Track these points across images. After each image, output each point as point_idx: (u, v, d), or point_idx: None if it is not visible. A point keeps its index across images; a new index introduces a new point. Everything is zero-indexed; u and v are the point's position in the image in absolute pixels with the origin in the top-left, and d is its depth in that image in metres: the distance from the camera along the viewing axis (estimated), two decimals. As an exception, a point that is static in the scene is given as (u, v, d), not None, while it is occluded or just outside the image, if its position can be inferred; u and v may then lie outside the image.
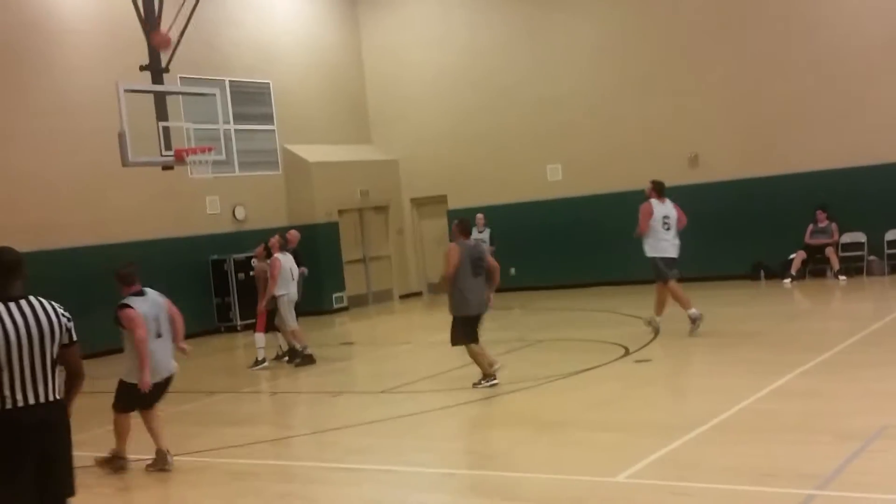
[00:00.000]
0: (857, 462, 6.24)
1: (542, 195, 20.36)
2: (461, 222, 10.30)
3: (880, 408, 7.65)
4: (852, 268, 16.98)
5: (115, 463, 8.02)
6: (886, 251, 16.96)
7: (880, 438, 6.71)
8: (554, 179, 20.31)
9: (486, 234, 17.59)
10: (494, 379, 10.04)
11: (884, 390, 8.27)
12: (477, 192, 21.02)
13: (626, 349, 11.53)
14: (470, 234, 10.43)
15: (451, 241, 10.46)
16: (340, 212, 20.94)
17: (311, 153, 20.65)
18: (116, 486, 7.69)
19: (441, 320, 18.26)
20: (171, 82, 15.19)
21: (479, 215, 17.99)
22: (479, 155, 20.99)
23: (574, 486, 6.36)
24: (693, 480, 6.19)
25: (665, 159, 18.88)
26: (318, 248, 20.18)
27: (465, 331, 10.09)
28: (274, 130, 20.39)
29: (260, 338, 13.17)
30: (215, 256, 18.67)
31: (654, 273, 12.59)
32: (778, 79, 17.85)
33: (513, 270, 20.56)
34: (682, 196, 18.72)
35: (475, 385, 10.07)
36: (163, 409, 10.84)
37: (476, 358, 10.14)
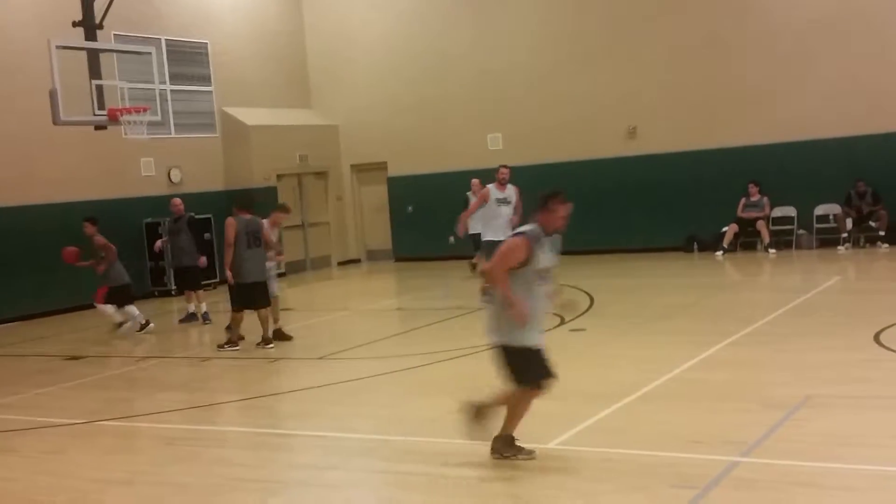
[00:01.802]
0: (781, 430, 6.44)
1: (482, 163, 20.35)
2: (240, 197, 11.93)
3: (805, 378, 7.89)
4: (782, 241, 17.41)
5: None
6: (815, 225, 17.42)
7: (804, 408, 6.92)
8: (494, 148, 20.34)
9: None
10: (237, 347, 11.37)
11: (809, 361, 8.53)
12: (417, 159, 20.98)
13: (562, 318, 11.66)
14: (250, 209, 11.57)
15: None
16: (279, 176, 20.72)
17: (250, 116, 20.34)
18: (46, 449, 7.57)
19: (379, 287, 18.35)
20: (104, 40, 14.82)
21: (475, 180, 17.23)
22: (420, 123, 20.91)
23: (507, 453, 6.43)
24: (622, 447, 6.33)
25: (603, 131, 19.09)
26: (256, 213, 19.91)
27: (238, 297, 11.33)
28: (211, 92, 20.02)
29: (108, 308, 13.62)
30: (149, 219, 18.33)
31: None
32: (715, 55, 18.10)
33: (451, 239, 20.63)
34: (619, 168, 19.10)
35: (219, 347, 11.46)
36: (93, 373, 10.74)
37: (232, 323, 11.52)
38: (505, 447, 6.18)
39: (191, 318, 14.17)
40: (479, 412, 6.33)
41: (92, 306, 14.03)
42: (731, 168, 17.86)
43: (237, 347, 11.39)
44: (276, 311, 11.91)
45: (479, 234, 15.25)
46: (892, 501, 5.09)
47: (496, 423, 6.30)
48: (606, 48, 19.07)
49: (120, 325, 13.58)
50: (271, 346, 11.33)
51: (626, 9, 18.92)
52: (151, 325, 13.52)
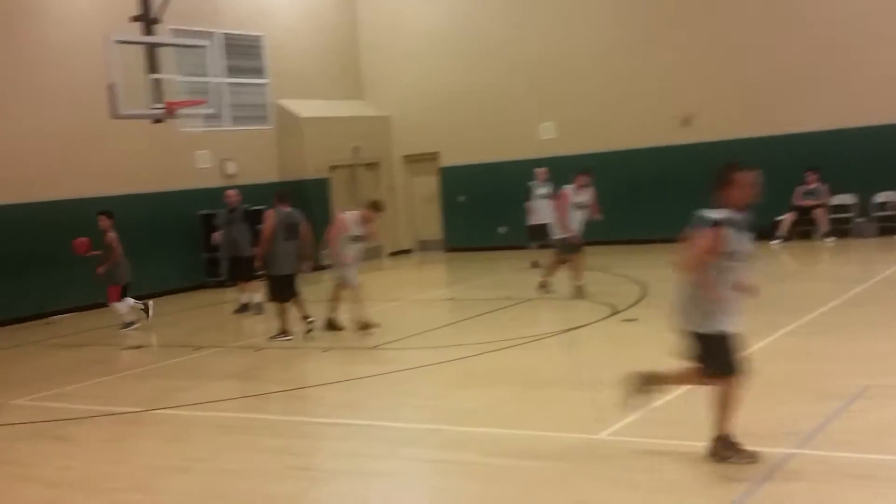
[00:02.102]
0: (838, 421, 6.32)
1: (534, 153, 20.29)
2: (280, 190, 11.97)
3: (862, 368, 7.73)
4: (840, 230, 17.04)
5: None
6: (875, 213, 17.01)
7: (861, 398, 6.79)
8: (546, 137, 20.24)
9: (547, 189, 16.14)
10: (290, 336, 11.43)
11: (866, 351, 8.35)
12: (469, 149, 20.96)
13: (614, 308, 11.59)
14: (290, 201, 11.70)
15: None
16: (332, 168, 20.86)
17: (303, 108, 20.51)
18: (104, 437, 7.75)
19: (430, 277, 18.37)
20: (162, 34, 15.03)
21: (540, 169, 16.73)
22: (471, 112, 20.88)
23: (556, 443, 6.42)
24: (675, 438, 6.27)
25: (658, 119, 18.85)
26: (310, 205, 20.09)
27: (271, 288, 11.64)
28: (266, 84, 20.23)
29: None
30: (204, 211, 18.60)
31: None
32: (773, 40, 17.76)
33: (502, 229, 20.59)
34: (673, 155, 18.83)
35: (271, 338, 11.50)
36: (150, 363, 10.95)
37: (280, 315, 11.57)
38: (724, 449, 5.71)
39: (244, 308, 14.34)
40: (646, 380, 6.15)
41: (146, 296, 14.27)
42: (788, 155, 17.51)
43: (289, 338, 11.51)
44: (357, 300, 11.68)
45: (542, 226, 15.40)
46: (953, 495, 4.98)
47: (655, 397, 6.22)
48: (661, 33, 18.82)
49: (130, 324, 13.70)
50: (311, 319, 11.60)
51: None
52: (137, 324, 13.61)
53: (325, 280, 13.87)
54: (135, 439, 7.61)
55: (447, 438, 6.90)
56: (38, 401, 9.34)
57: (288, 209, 11.69)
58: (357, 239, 11.64)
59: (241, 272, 14.49)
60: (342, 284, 11.70)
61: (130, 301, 13.74)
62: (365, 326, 11.43)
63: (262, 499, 5.85)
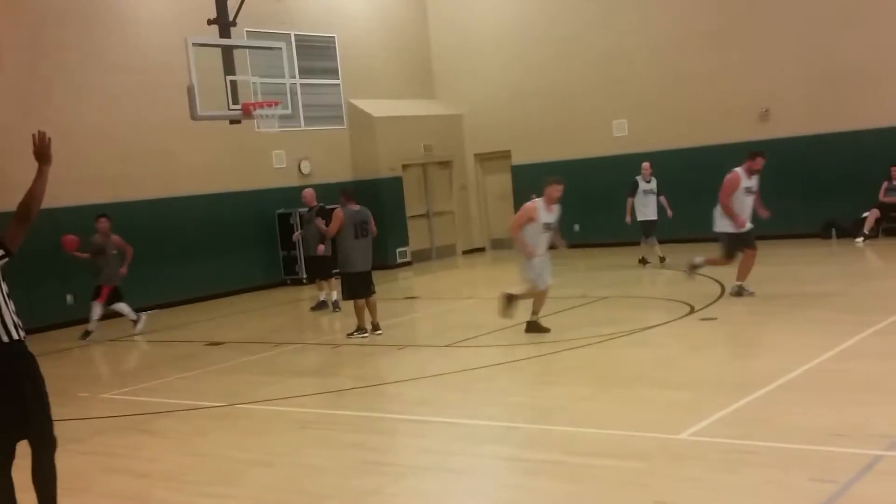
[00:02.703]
0: (930, 424, 6.13)
1: (607, 151, 20.12)
2: (347, 188, 12.07)
3: (955, 369, 7.48)
4: (928, 227, 16.50)
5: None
6: (965, 210, 16.44)
7: (955, 400, 6.56)
8: (619, 135, 20.04)
9: (653, 184, 16.11)
10: (366, 333, 11.55)
11: (959, 352, 8.07)
12: (541, 147, 20.88)
13: (692, 307, 11.41)
14: (354, 199, 11.78)
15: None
16: (404, 167, 20.99)
17: (376, 108, 20.68)
18: (188, 430, 7.93)
19: (504, 275, 18.34)
20: (237, 36, 15.32)
21: (646, 164, 16.33)
22: (543, 110, 20.79)
23: (637, 442, 6.36)
24: (759, 439, 6.14)
25: (734, 114, 18.51)
26: (382, 203, 20.29)
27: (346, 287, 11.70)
28: (339, 85, 20.46)
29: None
30: (281, 210, 18.90)
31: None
32: (852, 30, 17.28)
33: (577, 227, 20.45)
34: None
35: (349, 335, 11.61)
36: (232, 359, 11.16)
37: (357, 312, 11.63)
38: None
39: (321, 305, 14.52)
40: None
41: (227, 294, 14.56)
42: (872, 150, 17.02)
43: (365, 335, 11.62)
44: (540, 301, 10.77)
45: (652, 222, 15.72)
46: None
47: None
48: (735, 26, 18.47)
49: (134, 322, 13.90)
50: (378, 332, 11.65)
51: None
52: (93, 333, 13.66)
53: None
54: (219, 433, 7.77)
55: (525, 436, 6.89)
56: (124, 395, 9.62)
57: (356, 207, 11.80)
58: (547, 227, 10.58)
59: (318, 270, 14.69)
60: (532, 285, 10.65)
61: (99, 311, 13.67)
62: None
63: (343, 493, 5.91)
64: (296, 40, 19.33)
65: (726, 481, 5.46)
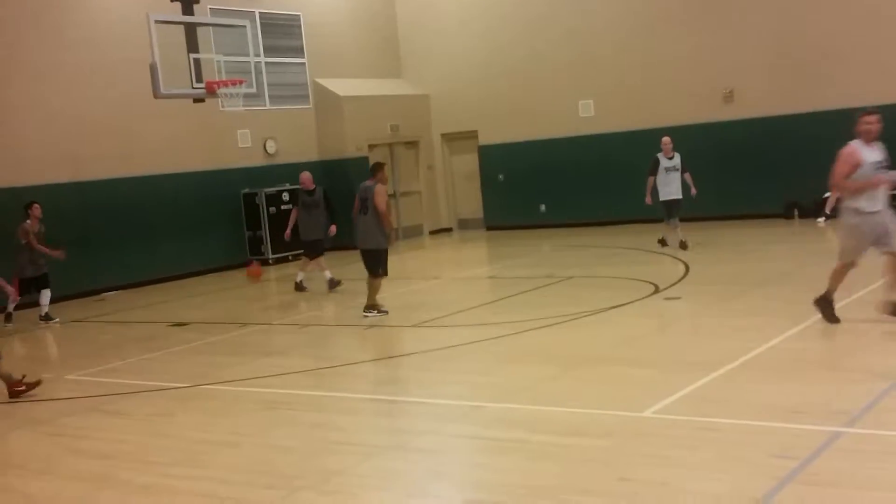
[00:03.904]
0: (887, 400, 6.24)
1: (573, 131, 20.19)
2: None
3: (912, 347, 7.63)
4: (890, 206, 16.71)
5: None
6: (924, 191, 16.68)
7: (912, 377, 6.70)
8: (586, 115, 20.11)
9: (676, 161, 15.03)
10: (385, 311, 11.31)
11: (917, 330, 8.22)
12: (508, 127, 20.90)
13: (656, 287, 11.52)
14: (370, 175, 11.43)
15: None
16: (371, 146, 20.91)
17: (342, 87, 20.55)
18: (154, 411, 7.88)
19: (471, 255, 18.33)
20: (201, 13, 15.13)
21: (666, 138, 15.30)
22: (510, 90, 20.79)
23: (601, 420, 6.42)
24: (721, 416, 6.23)
25: (699, 95, 18.64)
26: (349, 183, 20.20)
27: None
28: (304, 64, 20.30)
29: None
30: (247, 190, 18.77)
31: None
32: (815, 12, 17.44)
33: (543, 207, 20.56)
34: (716, 133, 18.60)
35: (364, 314, 11.29)
36: (195, 339, 11.09)
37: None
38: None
39: (334, 284, 13.92)
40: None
41: (191, 274, 14.41)
42: (833, 132, 17.10)
43: (378, 313, 11.37)
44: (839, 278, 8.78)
45: (676, 201, 14.72)
46: None
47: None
48: (700, 9, 18.57)
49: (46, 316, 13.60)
50: (365, 315, 11.43)
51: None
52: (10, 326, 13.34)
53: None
54: (184, 414, 7.73)
55: (490, 415, 6.93)
56: (89, 376, 9.53)
57: (366, 183, 11.44)
58: (879, 166, 8.54)
59: (317, 249, 14.21)
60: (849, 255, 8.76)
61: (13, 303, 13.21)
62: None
63: (310, 473, 5.92)
64: (260, 18, 19.13)
65: (689, 458, 5.54)
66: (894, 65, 16.71)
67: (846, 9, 17.16)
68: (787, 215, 17.74)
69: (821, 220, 16.79)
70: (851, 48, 17.12)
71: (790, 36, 17.71)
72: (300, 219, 14.16)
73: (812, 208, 17.34)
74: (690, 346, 8.63)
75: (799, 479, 5.04)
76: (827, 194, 16.99)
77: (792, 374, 7.20)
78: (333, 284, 13.89)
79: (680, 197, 14.82)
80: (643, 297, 10.99)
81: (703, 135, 18.56)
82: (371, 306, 11.37)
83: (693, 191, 14.98)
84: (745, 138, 18.06)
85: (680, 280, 11.94)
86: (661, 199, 14.87)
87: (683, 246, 14.62)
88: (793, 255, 13.73)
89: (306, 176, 14.36)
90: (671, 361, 7.95)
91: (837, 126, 17.10)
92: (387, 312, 11.34)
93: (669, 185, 14.83)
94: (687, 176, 14.94)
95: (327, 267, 14.16)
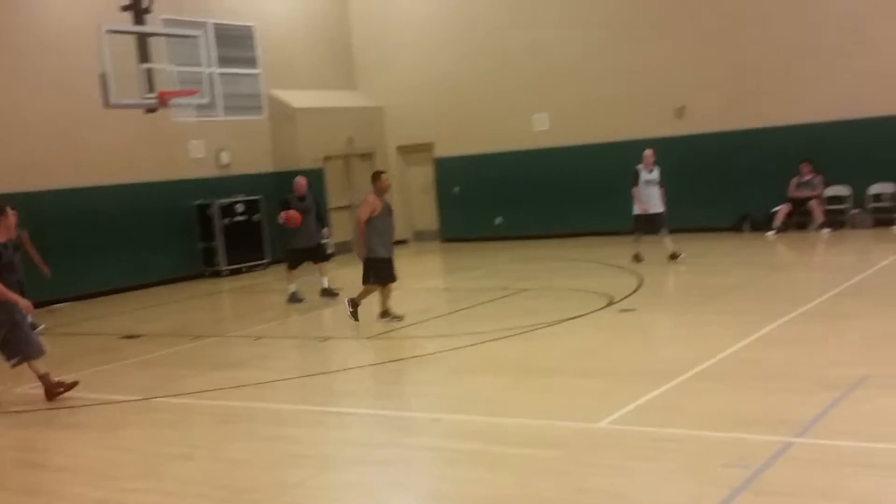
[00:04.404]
0: (837, 410, 6.37)
1: (529, 144, 20.33)
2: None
3: (861, 358, 7.79)
4: (836, 221, 17.12)
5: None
6: (870, 204, 17.10)
7: (861, 388, 6.84)
8: (540, 129, 20.27)
9: (656, 174, 14.85)
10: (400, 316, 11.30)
11: (865, 341, 8.41)
12: (463, 140, 20.98)
13: (611, 298, 11.63)
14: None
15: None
16: (326, 158, 20.84)
17: (297, 98, 20.48)
18: (106, 425, 7.76)
19: (427, 267, 18.38)
20: (153, 23, 15.00)
21: (648, 151, 15.05)
22: (465, 103, 20.88)
23: (558, 431, 6.47)
24: (675, 426, 6.31)
25: (652, 110, 18.89)
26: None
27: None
28: (258, 74, 20.18)
29: None
30: (200, 201, 18.59)
31: None
32: (765, 31, 17.80)
33: (498, 220, 20.65)
34: (668, 147, 18.86)
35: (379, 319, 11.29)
36: (149, 352, 10.94)
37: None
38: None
39: (329, 294, 13.71)
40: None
41: (143, 286, 14.18)
42: (783, 147, 17.58)
43: (398, 317, 11.31)
44: None
45: (655, 215, 14.56)
46: (953, 482, 5.03)
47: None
48: (655, 23, 18.84)
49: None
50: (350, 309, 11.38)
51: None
52: None
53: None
54: (137, 427, 7.62)
55: (449, 427, 6.94)
56: (41, 389, 9.30)
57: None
58: None
59: (318, 256, 13.90)
60: None
61: None
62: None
63: (266, 486, 5.87)
64: (214, 29, 18.99)
65: (643, 468, 5.60)
66: (841, 82, 17.10)
67: (795, 27, 17.54)
68: (737, 228, 18.03)
69: (770, 233, 17.09)
70: (799, 66, 17.50)
71: (740, 53, 18.03)
72: (298, 227, 13.63)
73: (762, 222, 17.65)
74: (644, 357, 8.72)
75: (751, 488, 5.12)
76: (776, 208, 17.35)
77: (744, 385, 7.31)
78: (330, 294, 13.67)
79: (660, 210, 14.64)
80: (597, 309, 11.08)
81: (656, 149, 18.78)
82: (353, 302, 11.41)
83: (662, 208, 14.80)
84: (697, 153, 18.34)
85: (634, 292, 12.07)
86: (636, 213, 14.71)
87: (674, 257, 14.41)
88: (744, 267, 13.95)
89: (302, 181, 13.97)
90: (625, 372, 8.03)
91: (786, 142, 17.58)
92: (356, 319, 11.32)
93: (649, 200, 14.65)
94: (662, 191, 14.80)
95: (327, 273, 13.91)
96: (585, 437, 6.28)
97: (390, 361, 9.25)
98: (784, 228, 17.29)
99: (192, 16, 18.12)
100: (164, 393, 8.65)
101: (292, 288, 13.74)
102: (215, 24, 19.06)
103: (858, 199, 17.21)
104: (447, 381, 8.47)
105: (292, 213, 13.29)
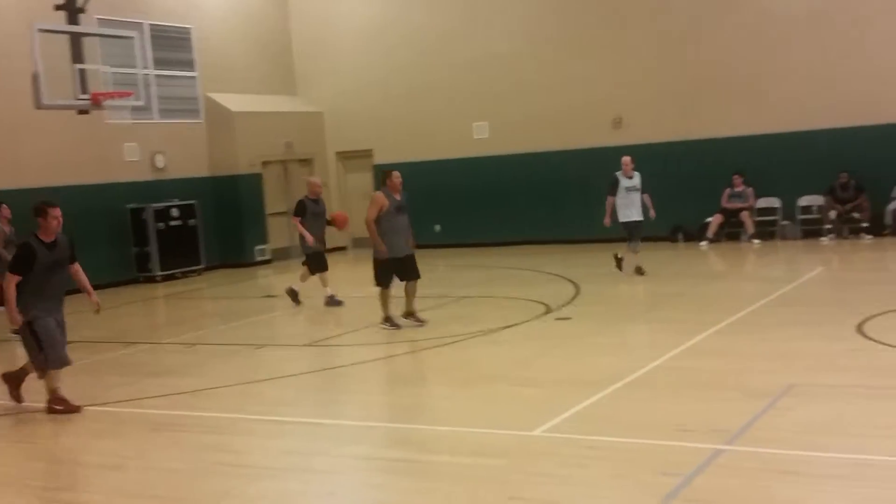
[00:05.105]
0: (765, 418, 6.51)
1: (468, 152, 20.41)
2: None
3: (788, 367, 7.98)
4: (766, 232, 17.54)
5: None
6: (799, 216, 17.55)
7: (787, 396, 7.01)
8: (480, 137, 20.37)
9: (636, 181, 14.22)
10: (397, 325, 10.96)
11: (792, 350, 8.62)
12: (403, 147, 20.96)
13: (548, 307, 11.73)
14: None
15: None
16: (264, 163, 20.67)
17: (235, 102, 20.27)
18: (35, 434, 7.57)
19: (365, 275, 18.28)
20: (88, 23, 14.73)
21: (626, 158, 14.44)
22: (406, 110, 20.89)
23: (493, 440, 6.50)
24: (609, 434, 6.39)
25: (589, 121, 19.13)
26: (241, 200, 19.97)
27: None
28: (195, 77, 19.92)
29: None
30: (134, 205, 18.27)
31: None
32: (701, 45, 18.17)
33: (437, 227, 20.69)
34: (605, 158, 19.10)
35: (381, 325, 10.99)
36: (79, 359, 10.70)
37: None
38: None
39: (334, 301, 13.39)
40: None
41: (74, 291, 13.78)
42: (716, 158, 17.95)
43: (389, 326, 10.98)
44: None
45: (637, 223, 13.99)
46: (873, 489, 5.17)
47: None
48: (593, 37, 19.10)
49: None
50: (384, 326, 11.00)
51: (612, -3, 18.99)
52: None
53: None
54: (66, 436, 7.45)
55: (384, 435, 6.93)
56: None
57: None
58: None
59: (322, 263, 13.62)
60: None
61: None
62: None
63: (197, 496, 5.79)
64: (150, 30, 18.68)
65: (578, 476, 5.66)
66: (772, 97, 17.54)
67: (729, 42, 17.93)
68: (671, 238, 18.34)
69: (703, 243, 17.42)
70: (732, 80, 17.89)
71: (676, 68, 18.38)
72: (311, 230, 13.29)
73: (695, 232, 17.98)
74: (580, 365, 8.82)
75: (682, 495, 5.21)
76: (709, 219, 17.69)
77: (676, 393, 7.44)
78: (334, 302, 13.33)
79: (641, 219, 14.04)
80: (534, 318, 11.17)
81: (593, 159, 19.06)
82: (385, 318, 11.00)
83: (651, 213, 14.15)
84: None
85: (571, 301, 12.19)
86: (622, 220, 14.04)
87: (640, 272, 13.92)
88: (678, 276, 14.19)
89: (317, 183, 13.69)
90: (561, 380, 8.10)
91: (719, 154, 17.95)
92: (398, 327, 10.90)
93: (630, 207, 13.99)
94: (646, 197, 14.13)
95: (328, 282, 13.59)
96: (521, 446, 6.32)
97: (327, 369, 9.20)
98: (716, 239, 17.65)
99: (127, 16, 17.80)
100: (95, 401, 8.46)
101: (329, 291, 13.38)
102: (151, 25, 18.76)
103: (788, 210, 17.66)
104: (384, 389, 8.45)
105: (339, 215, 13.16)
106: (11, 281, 7.84)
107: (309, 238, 13.16)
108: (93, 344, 11.78)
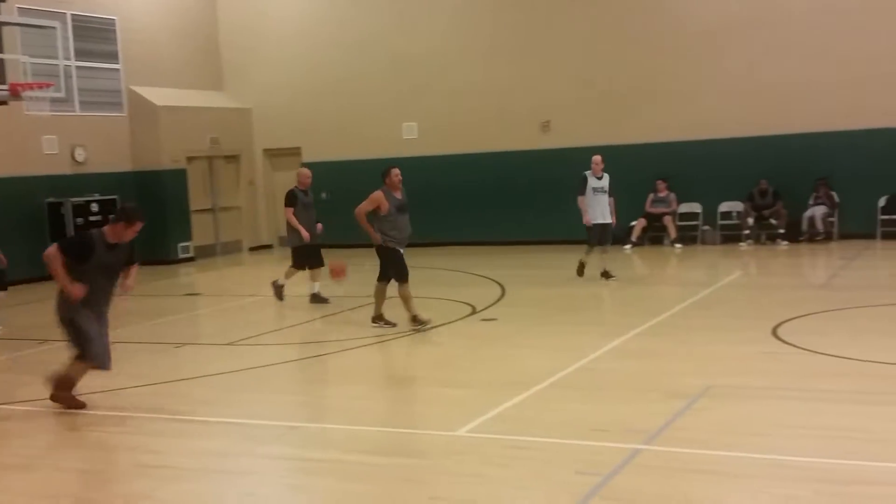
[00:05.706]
0: (682, 419, 6.63)
1: (397, 152, 20.33)
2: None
3: (706, 369, 8.14)
4: (688, 236, 17.90)
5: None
6: (719, 221, 17.95)
7: (704, 397, 7.14)
8: (409, 137, 20.34)
9: (605, 182, 13.70)
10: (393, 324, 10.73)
11: (710, 352, 8.80)
12: (332, 145, 20.83)
13: (473, 308, 11.77)
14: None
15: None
16: (189, 159, 20.31)
17: (159, 96, 19.87)
18: (-63, 436, 7.29)
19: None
20: (7, 12, 14.30)
21: (596, 157, 13.96)
22: (335, 108, 20.75)
23: (416, 440, 6.49)
24: (530, 434, 6.42)
25: (518, 124, 19.28)
26: (165, 196, 19.58)
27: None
28: (119, 70, 19.48)
29: None
30: (51, 199, 17.77)
31: None
32: (627, 53, 18.46)
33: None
34: (533, 161, 19.30)
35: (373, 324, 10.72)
36: (-10, 357, 10.35)
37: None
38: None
39: (317, 299, 12.97)
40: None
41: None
42: (641, 164, 18.24)
43: (392, 325, 10.72)
44: None
45: (605, 225, 13.45)
46: (786, 488, 5.29)
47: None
48: (522, 41, 19.24)
49: None
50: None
51: (542, 1, 19.12)
52: None
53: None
54: (-28, 438, 7.19)
55: (305, 436, 6.85)
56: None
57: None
58: None
59: (315, 259, 13.21)
60: None
61: None
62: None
63: (111, 497, 5.64)
64: (72, 20, 18.22)
65: (499, 475, 5.67)
66: (696, 104, 17.90)
67: (652, 50, 18.25)
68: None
69: (627, 247, 17.69)
70: (656, 86, 18.21)
71: (603, 72, 18.62)
72: (301, 222, 12.97)
73: (619, 236, 18.21)
74: (503, 366, 8.85)
75: (601, 494, 5.27)
76: (633, 223, 17.98)
77: (597, 394, 7.52)
78: (320, 300, 12.93)
79: (609, 221, 13.49)
80: (460, 318, 11.20)
81: (521, 162, 19.22)
82: (376, 317, 10.75)
83: (612, 219, 13.64)
84: (560, 167, 18.77)
85: (496, 302, 12.25)
86: (594, 222, 13.52)
87: (607, 276, 13.50)
88: (601, 279, 14.35)
89: (307, 173, 13.28)
90: (484, 381, 8.13)
91: (643, 159, 18.25)
92: (393, 325, 10.68)
93: (596, 208, 13.42)
94: (611, 201, 13.57)
95: (319, 279, 13.18)
96: (442, 446, 6.31)
97: (248, 369, 9.06)
98: (640, 242, 17.94)
99: (49, 6, 17.32)
100: (4, 400, 8.20)
101: (316, 288, 12.99)
102: (73, 16, 18.29)
103: (709, 216, 18.04)
104: (305, 389, 8.37)
105: (337, 267, 12.60)
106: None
107: (305, 234, 12.82)
108: (5, 341, 11.42)
